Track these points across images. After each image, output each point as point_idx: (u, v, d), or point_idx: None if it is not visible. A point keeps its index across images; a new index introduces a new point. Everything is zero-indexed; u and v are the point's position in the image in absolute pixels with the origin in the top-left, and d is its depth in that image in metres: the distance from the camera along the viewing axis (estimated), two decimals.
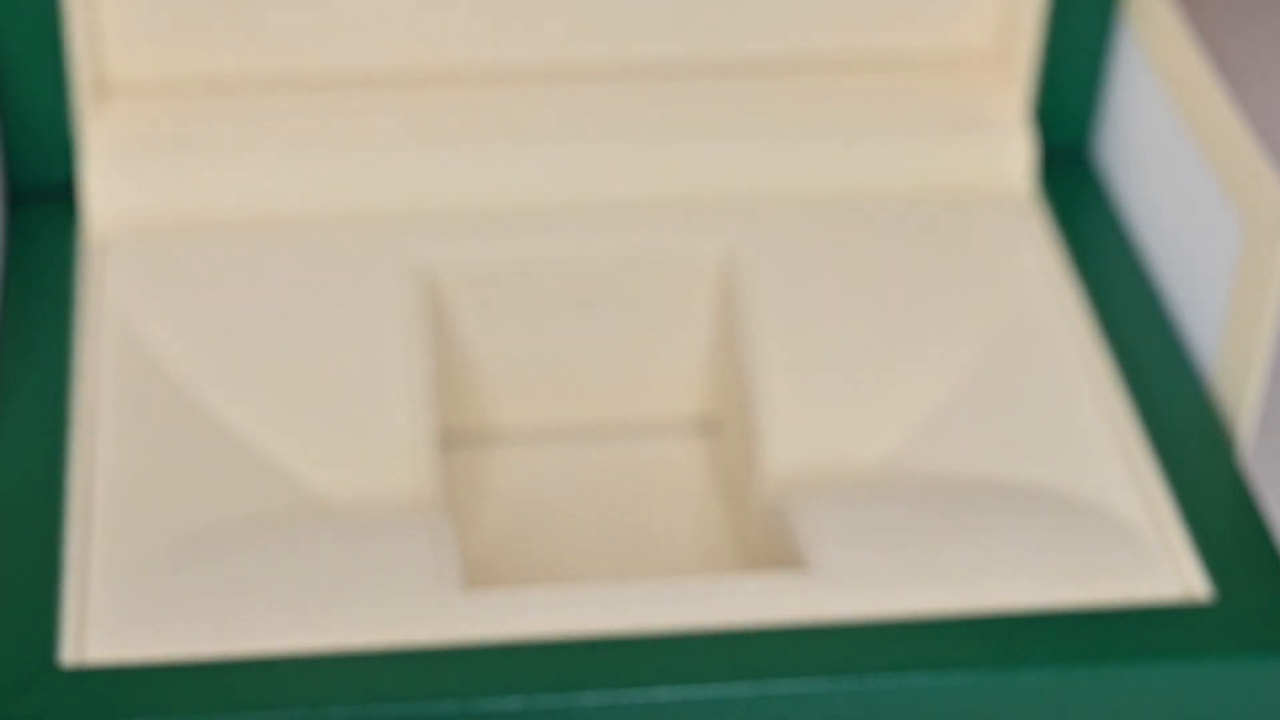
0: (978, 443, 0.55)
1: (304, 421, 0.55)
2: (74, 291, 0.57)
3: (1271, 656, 0.49)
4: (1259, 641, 0.49)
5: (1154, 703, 0.49)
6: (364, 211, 0.60)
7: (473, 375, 0.61)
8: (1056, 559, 0.51)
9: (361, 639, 0.48)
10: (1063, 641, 0.49)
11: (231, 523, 0.52)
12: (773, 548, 0.55)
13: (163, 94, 0.61)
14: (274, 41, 0.61)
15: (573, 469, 0.62)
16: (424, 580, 0.50)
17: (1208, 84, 0.56)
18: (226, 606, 0.49)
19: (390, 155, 0.60)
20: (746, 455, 0.58)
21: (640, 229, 0.60)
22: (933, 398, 0.57)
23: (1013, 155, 0.62)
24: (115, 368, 0.55)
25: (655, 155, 0.61)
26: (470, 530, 0.60)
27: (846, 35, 0.63)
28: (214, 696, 0.47)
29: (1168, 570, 0.51)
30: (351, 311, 0.57)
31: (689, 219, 0.60)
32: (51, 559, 0.50)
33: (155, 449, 0.53)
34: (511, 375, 0.62)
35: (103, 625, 0.48)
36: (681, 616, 0.49)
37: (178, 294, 0.57)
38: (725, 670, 0.48)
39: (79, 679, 0.47)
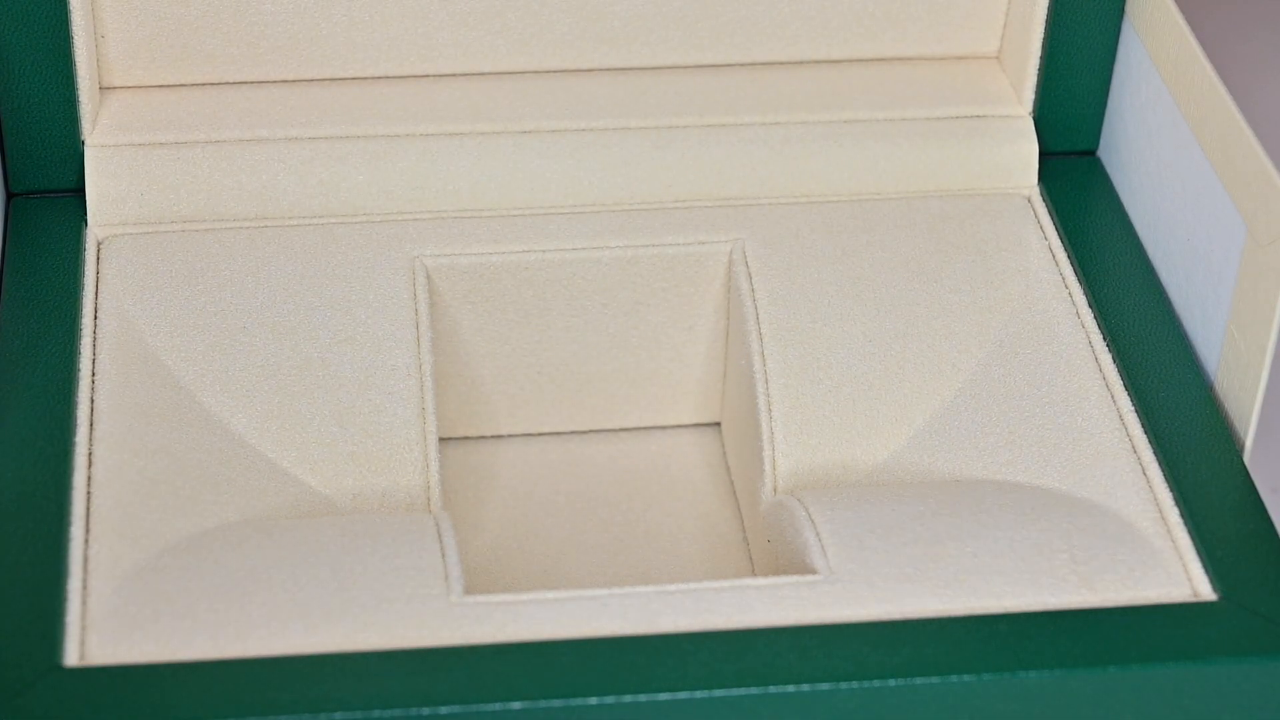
0: (983, 443, 0.55)
1: (304, 421, 0.55)
2: (75, 290, 0.57)
3: (1277, 657, 0.49)
4: (1264, 642, 0.49)
5: (1161, 703, 0.49)
6: (364, 211, 0.60)
7: (473, 375, 0.61)
8: (1062, 560, 0.51)
9: (363, 640, 0.48)
10: (1069, 642, 0.49)
11: (232, 523, 0.52)
12: (778, 549, 0.54)
13: (163, 92, 0.61)
14: (274, 41, 0.61)
15: (575, 469, 0.62)
16: (425, 581, 0.50)
17: (1212, 86, 0.56)
18: (228, 608, 0.49)
19: (391, 155, 0.60)
20: (751, 456, 0.58)
21: (643, 229, 0.60)
22: (938, 398, 0.56)
23: (1019, 156, 0.62)
24: (116, 367, 0.55)
25: (659, 156, 0.61)
26: (471, 531, 0.60)
27: (854, 39, 0.63)
28: (215, 698, 0.47)
29: (1173, 571, 0.51)
30: (352, 311, 0.57)
31: (693, 219, 0.60)
32: (53, 559, 0.49)
33: (156, 449, 0.53)
34: (512, 375, 0.62)
35: (105, 626, 0.48)
36: (686, 619, 0.49)
37: (178, 293, 0.57)
38: (730, 673, 0.48)
39: (81, 679, 0.47)
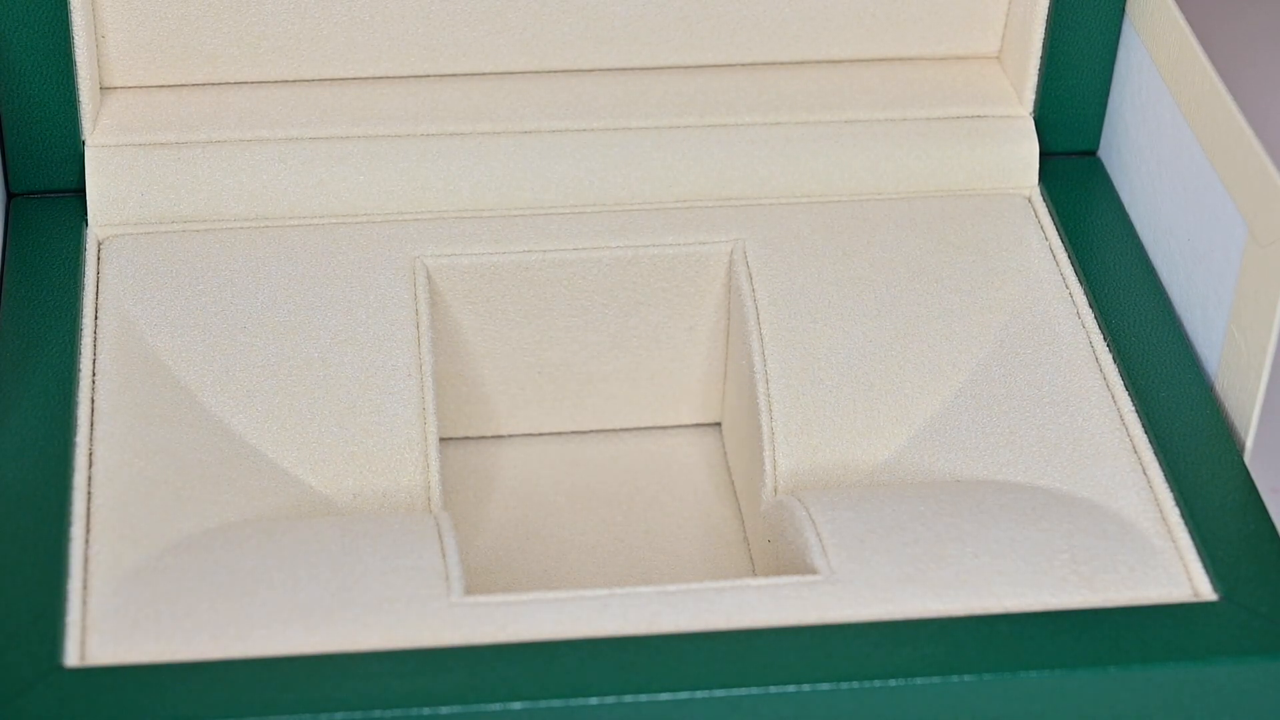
0: (983, 443, 0.55)
1: (304, 421, 0.55)
2: (75, 291, 0.57)
3: (1277, 657, 0.49)
4: (1265, 642, 0.49)
5: (1162, 703, 0.49)
6: (365, 211, 0.60)
7: (473, 375, 0.61)
8: (1063, 560, 0.51)
9: (363, 641, 0.48)
10: (1070, 642, 0.49)
11: (232, 523, 0.52)
12: (778, 549, 0.54)
13: (163, 92, 0.61)
14: (274, 41, 0.61)
15: (576, 469, 0.62)
16: (425, 581, 0.50)
17: (1212, 86, 0.56)
18: (228, 608, 0.49)
19: (391, 155, 0.60)
20: (751, 456, 0.58)
21: (643, 229, 0.60)
22: (938, 398, 0.56)
23: (1019, 156, 0.62)
24: (116, 367, 0.55)
25: (659, 156, 0.61)
26: (471, 531, 0.60)
27: (854, 39, 0.63)
28: (216, 698, 0.47)
29: (1174, 571, 0.51)
30: (352, 311, 0.57)
31: (693, 219, 0.60)
32: (53, 559, 0.49)
33: (156, 449, 0.53)
34: (512, 375, 0.61)
35: (105, 626, 0.48)
36: (687, 619, 0.49)
37: (178, 293, 0.57)
38: (731, 673, 0.48)
39: (81, 679, 0.47)
